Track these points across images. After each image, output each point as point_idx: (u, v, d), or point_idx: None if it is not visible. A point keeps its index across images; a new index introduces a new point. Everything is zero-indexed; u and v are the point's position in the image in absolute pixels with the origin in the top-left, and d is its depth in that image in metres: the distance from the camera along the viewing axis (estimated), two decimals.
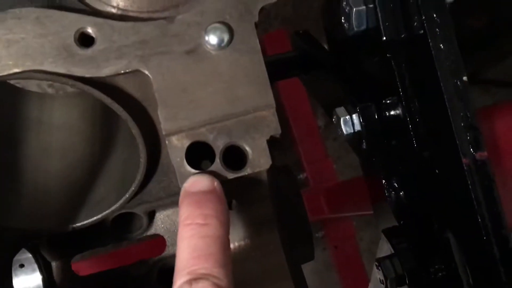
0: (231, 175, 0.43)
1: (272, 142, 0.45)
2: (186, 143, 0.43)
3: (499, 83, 1.71)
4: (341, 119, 0.54)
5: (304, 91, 1.52)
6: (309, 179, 1.52)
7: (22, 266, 0.62)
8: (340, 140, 1.64)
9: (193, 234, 0.41)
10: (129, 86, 0.47)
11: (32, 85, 0.83)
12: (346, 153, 1.65)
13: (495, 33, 1.38)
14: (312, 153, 1.55)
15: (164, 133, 0.44)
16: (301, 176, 1.56)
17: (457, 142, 0.42)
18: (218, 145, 0.43)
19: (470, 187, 0.41)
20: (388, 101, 0.51)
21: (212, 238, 0.40)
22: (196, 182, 0.43)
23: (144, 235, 0.61)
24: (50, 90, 0.63)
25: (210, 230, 0.41)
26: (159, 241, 0.62)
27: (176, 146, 0.44)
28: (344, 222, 1.52)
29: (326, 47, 0.68)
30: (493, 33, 1.37)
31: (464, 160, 0.41)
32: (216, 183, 0.43)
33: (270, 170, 0.45)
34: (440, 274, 0.49)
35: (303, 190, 1.43)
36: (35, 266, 0.62)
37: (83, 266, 0.64)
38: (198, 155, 0.45)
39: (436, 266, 0.50)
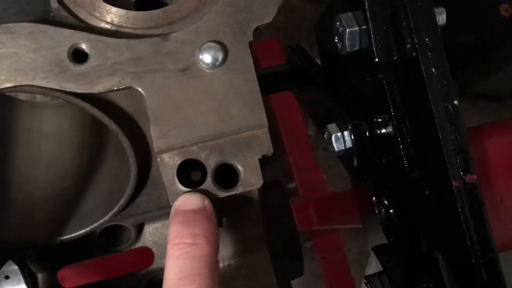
0: (222, 194, 0.43)
1: (264, 160, 0.46)
2: (178, 161, 0.43)
3: (486, 97, 1.73)
4: (333, 136, 0.54)
5: (295, 100, 1.53)
6: (299, 188, 1.53)
7: (7, 277, 0.61)
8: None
9: (180, 254, 0.40)
10: (121, 100, 0.47)
11: (21, 93, 0.83)
12: (336, 163, 1.66)
13: (483, 49, 1.40)
14: (302, 162, 1.55)
15: (156, 150, 0.44)
16: (291, 185, 1.56)
17: (447, 164, 0.42)
18: (210, 164, 0.43)
19: (459, 209, 0.42)
20: (379, 119, 0.52)
21: (199, 258, 0.40)
22: (187, 201, 0.43)
23: (132, 247, 0.61)
24: (39, 98, 0.62)
25: (198, 250, 0.41)
26: (147, 254, 0.62)
27: (167, 163, 0.43)
28: (332, 233, 1.53)
29: (318, 61, 0.68)
30: (481, 49, 1.39)
31: (453, 183, 0.42)
32: (206, 202, 0.43)
33: (262, 189, 0.45)
34: None
35: (292, 199, 1.43)
36: (21, 277, 0.61)
37: (69, 276, 0.64)
38: (189, 167, 0.45)
39: (425, 285, 0.50)
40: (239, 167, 0.43)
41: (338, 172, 1.65)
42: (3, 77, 0.41)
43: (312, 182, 1.53)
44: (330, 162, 1.66)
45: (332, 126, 0.55)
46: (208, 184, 0.43)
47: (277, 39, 1.56)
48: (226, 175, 0.45)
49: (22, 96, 0.64)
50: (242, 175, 0.43)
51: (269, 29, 1.64)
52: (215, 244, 0.42)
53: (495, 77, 1.54)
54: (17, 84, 0.41)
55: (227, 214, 0.48)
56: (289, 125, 1.57)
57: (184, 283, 0.39)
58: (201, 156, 0.43)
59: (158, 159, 0.44)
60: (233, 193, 0.43)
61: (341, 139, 0.54)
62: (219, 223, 0.43)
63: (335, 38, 0.49)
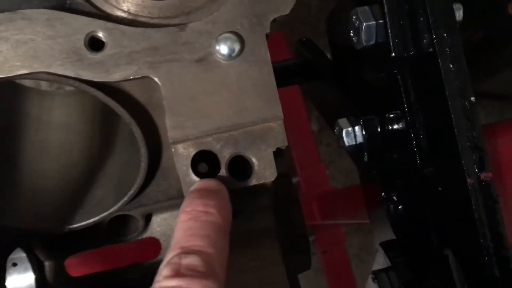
0: (236, 185, 0.43)
1: (277, 153, 0.45)
2: (192, 151, 0.43)
3: (492, 96, 1.73)
4: (343, 131, 0.54)
5: (299, 94, 1.53)
6: (301, 183, 1.53)
7: (15, 264, 0.61)
8: (334, 146, 1.65)
9: (190, 218, 0.40)
10: (134, 90, 0.47)
11: (26, 80, 0.82)
12: (339, 158, 1.66)
13: (491, 47, 1.39)
14: (305, 158, 1.55)
15: (170, 141, 0.43)
16: (294, 180, 1.56)
17: (462, 161, 0.42)
18: (224, 155, 0.43)
19: (473, 207, 0.42)
20: (391, 115, 0.51)
21: (210, 223, 0.40)
22: (203, 182, 0.43)
23: (140, 237, 0.61)
24: (44, 86, 0.62)
25: (209, 217, 0.40)
26: (154, 245, 0.62)
27: (182, 154, 0.43)
28: (333, 228, 1.53)
29: (328, 55, 0.68)
30: (488, 47, 1.39)
31: (468, 180, 0.42)
32: (222, 186, 0.43)
33: (274, 183, 0.45)
34: None
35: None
36: (28, 265, 0.61)
37: (76, 264, 0.64)
38: (198, 159, 0.45)
39: (433, 281, 0.50)
40: (253, 160, 0.43)
41: (341, 167, 1.65)
42: (19, 63, 0.41)
43: (315, 177, 1.53)
44: (333, 158, 1.66)
45: (343, 121, 0.55)
46: (223, 175, 0.43)
47: (283, 33, 1.55)
48: (239, 167, 0.45)
49: (27, 83, 0.63)
50: (256, 168, 0.43)
51: (275, 23, 1.63)
52: (227, 217, 0.41)
53: (501, 75, 1.54)
54: (33, 70, 0.41)
55: (239, 205, 0.48)
56: (292, 120, 1.56)
57: (191, 240, 0.39)
58: (216, 148, 0.43)
59: (173, 150, 0.44)
60: (247, 185, 0.43)
61: (352, 134, 0.54)
62: (234, 214, 0.43)
63: (350, 32, 0.49)
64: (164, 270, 0.38)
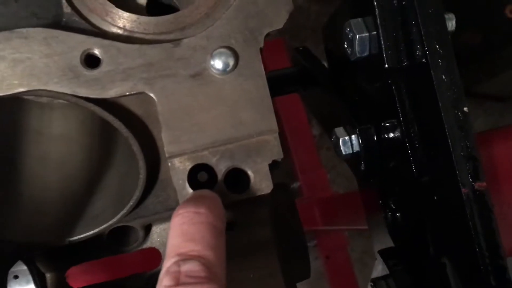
0: (233, 198, 0.44)
1: (273, 165, 0.46)
2: (189, 165, 0.44)
3: (491, 97, 1.73)
4: (340, 140, 0.54)
5: (300, 100, 1.53)
6: (303, 188, 1.53)
7: (16, 277, 0.62)
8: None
9: (184, 221, 0.40)
10: (131, 104, 0.47)
11: None
12: (340, 163, 1.66)
13: (489, 50, 1.39)
14: (306, 162, 1.55)
15: (167, 155, 0.44)
16: (295, 185, 1.56)
17: (457, 171, 0.42)
18: (221, 168, 0.44)
19: (468, 216, 0.42)
20: (387, 124, 0.52)
21: (204, 224, 0.39)
22: (195, 193, 0.44)
23: (140, 248, 0.61)
24: (46, 99, 0.62)
25: (202, 218, 0.40)
26: (154, 255, 0.62)
27: (178, 168, 0.44)
28: (336, 233, 1.53)
29: (325, 64, 0.68)
30: (487, 49, 1.39)
31: (463, 190, 0.42)
32: (214, 193, 0.43)
33: (271, 194, 0.45)
34: None
35: (296, 199, 1.43)
36: (30, 277, 0.61)
37: (77, 276, 0.64)
38: (196, 169, 0.46)
39: None
40: (250, 172, 0.44)
41: (342, 172, 1.65)
42: (16, 82, 0.41)
43: (316, 182, 1.53)
44: (334, 162, 1.67)
45: (339, 130, 0.55)
46: (219, 187, 0.43)
47: (282, 39, 1.56)
48: (235, 178, 0.46)
49: (27, 96, 0.64)
50: (252, 180, 0.44)
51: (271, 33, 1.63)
52: (220, 217, 0.41)
53: (500, 78, 1.54)
54: (31, 88, 0.41)
55: (236, 218, 0.48)
56: (294, 125, 1.57)
57: (187, 245, 0.38)
58: (212, 161, 0.44)
59: (169, 164, 0.44)
60: (243, 197, 0.44)
61: (349, 143, 0.54)
62: (231, 227, 0.43)
63: (344, 44, 0.49)
64: (164, 280, 0.37)
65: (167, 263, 0.38)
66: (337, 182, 1.65)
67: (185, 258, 0.37)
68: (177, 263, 0.37)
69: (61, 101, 0.65)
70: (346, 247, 1.54)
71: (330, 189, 1.55)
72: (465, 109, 0.42)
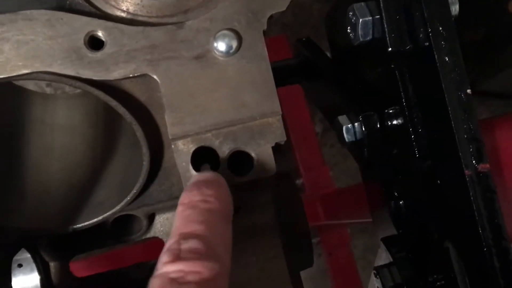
0: (236, 180, 0.44)
1: (276, 148, 0.46)
2: (192, 147, 0.44)
3: (494, 95, 1.73)
4: (344, 128, 0.54)
5: (302, 97, 1.53)
6: (306, 185, 1.53)
7: (20, 266, 0.62)
8: (337, 147, 1.65)
9: (188, 208, 0.39)
10: (135, 90, 0.47)
11: (29, 84, 0.83)
12: (343, 160, 1.66)
13: (492, 46, 1.39)
14: (309, 159, 1.55)
15: (170, 137, 0.44)
16: (298, 182, 1.56)
17: (460, 153, 0.42)
18: (224, 150, 0.44)
19: (471, 198, 0.42)
20: (390, 111, 0.52)
21: (208, 210, 0.38)
22: (200, 175, 0.43)
23: (143, 237, 0.62)
24: (48, 90, 0.63)
25: (208, 205, 0.39)
26: (158, 244, 0.62)
27: (182, 150, 0.44)
28: (338, 230, 1.53)
29: (328, 54, 0.68)
30: (490, 46, 1.39)
31: (466, 172, 0.42)
32: (220, 176, 0.42)
33: (274, 177, 0.45)
34: (438, 283, 0.50)
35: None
36: (34, 266, 0.61)
37: (80, 266, 0.64)
38: (200, 158, 0.46)
39: (435, 276, 0.50)
40: (253, 154, 0.44)
41: (345, 168, 1.65)
42: (20, 63, 0.41)
43: (319, 179, 1.53)
44: (337, 159, 1.67)
45: (342, 118, 0.55)
46: (223, 170, 0.43)
47: (285, 35, 1.56)
48: (239, 162, 0.46)
49: (31, 87, 0.64)
50: (255, 162, 0.44)
51: (277, 25, 1.64)
52: (227, 204, 0.40)
53: (503, 74, 1.53)
54: (34, 70, 0.41)
55: (239, 201, 0.48)
56: (296, 122, 1.57)
57: (192, 225, 0.37)
58: (215, 143, 0.44)
59: (173, 146, 0.44)
60: (246, 179, 0.44)
61: (352, 131, 0.54)
62: (235, 210, 0.43)
63: (347, 28, 0.49)
64: (163, 257, 0.36)
65: (168, 243, 0.37)
66: (340, 179, 1.65)
67: (186, 237, 0.37)
68: (177, 242, 0.36)
69: (65, 91, 0.65)
70: (349, 244, 1.54)
71: (333, 186, 1.55)
72: (469, 91, 0.42)
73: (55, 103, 0.66)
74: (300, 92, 1.52)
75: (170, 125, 0.44)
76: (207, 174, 0.43)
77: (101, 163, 0.62)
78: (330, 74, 0.65)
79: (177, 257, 0.35)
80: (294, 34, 1.63)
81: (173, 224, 0.40)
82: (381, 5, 0.46)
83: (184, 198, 0.41)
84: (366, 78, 0.57)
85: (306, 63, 0.70)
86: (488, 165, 0.42)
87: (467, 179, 0.42)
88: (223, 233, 0.38)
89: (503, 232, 0.41)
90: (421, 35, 0.44)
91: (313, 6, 1.73)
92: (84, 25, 0.42)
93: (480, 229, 0.42)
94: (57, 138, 0.65)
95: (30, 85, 0.72)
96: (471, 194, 0.42)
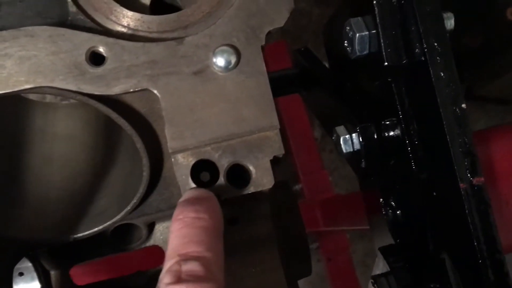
0: (235, 193, 0.44)
1: (274, 161, 0.46)
2: (192, 161, 0.44)
3: (493, 100, 1.73)
4: (341, 138, 0.55)
5: (301, 102, 1.54)
6: (305, 190, 1.53)
7: (21, 274, 0.62)
8: (336, 152, 1.66)
9: (183, 226, 0.41)
10: (135, 102, 0.48)
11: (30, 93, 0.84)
12: (342, 165, 1.66)
13: (491, 52, 1.40)
14: (308, 165, 1.56)
15: (170, 151, 0.45)
16: (297, 187, 1.57)
17: (455, 166, 0.43)
18: (223, 164, 0.44)
19: (466, 211, 0.42)
20: (387, 122, 0.52)
21: (203, 229, 0.41)
22: (191, 192, 0.45)
23: (143, 246, 0.62)
24: (49, 99, 0.63)
25: (201, 222, 0.41)
26: (157, 253, 0.62)
27: (181, 163, 0.44)
28: (337, 235, 1.53)
29: (326, 64, 0.69)
30: (488, 52, 1.39)
31: (461, 185, 0.43)
32: (211, 194, 0.44)
33: (272, 189, 0.46)
34: None
35: (298, 201, 1.43)
36: (35, 274, 0.62)
37: (80, 274, 0.65)
38: (199, 168, 0.46)
39: (432, 285, 0.51)
40: (251, 168, 0.44)
41: (344, 174, 1.66)
42: (23, 79, 0.42)
43: (318, 184, 1.53)
44: (336, 164, 1.67)
45: (340, 128, 0.56)
46: (221, 183, 0.44)
47: (284, 41, 1.57)
48: (237, 174, 0.46)
49: (32, 96, 0.65)
50: (253, 176, 0.44)
51: (277, 31, 1.65)
52: (219, 221, 0.42)
53: (502, 80, 1.54)
54: (37, 85, 0.42)
55: (238, 213, 0.49)
56: (296, 128, 1.57)
57: (188, 247, 0.40)
58: (214, 157, 0.44)
59: (172, 159, 0.45)
60: (245, 192, 0.44)
61: (350, 141, 0.55)
62: (233, 222, 0.44)
63: (344, 42, 0.50)
64: (165, 278, 0.39)
65: (168, 263, 0.40)
66: (339, 185, 1.65)
67: (186, 258, 0.39)
68: (178, 263, 0.39)
69: (65, 101, 0.66)
70: (348, 250, 1.54)
71: (332, 191, 1.55)
72: (463, 105, 0.43)
73: (56, 113, 0.67)
74: (299, 98, 1.53)
75: (170, 139, 0.44)
76: (197, 191, 0.45)
77: (101, 172, 0.62)
78: (327, 84, 0.65)
79: (178, 279, 0.38)
80: (294, 40, 1.64)
81: (169, 240, 0.42)
82: (377, 20, 0.46)
83: (178, 214, 0.43)
84: (363, 89, 0.57)
85: (304, 73, 0.71)
86: (482, 178, 0.42)
87: (462, 192, 0.43)
88: (217, 250, 0.41)
89: (498, 244, 0.42)
90: (416, 50, 0.45)
91: (313, 12, 1.74)
92: (85, 41, 0.42)
93: (475, 241, 0.42)
94: (58, 147, 0.65)
95: (30, 94, 0.72)
96: (466, 206, 0.43)
